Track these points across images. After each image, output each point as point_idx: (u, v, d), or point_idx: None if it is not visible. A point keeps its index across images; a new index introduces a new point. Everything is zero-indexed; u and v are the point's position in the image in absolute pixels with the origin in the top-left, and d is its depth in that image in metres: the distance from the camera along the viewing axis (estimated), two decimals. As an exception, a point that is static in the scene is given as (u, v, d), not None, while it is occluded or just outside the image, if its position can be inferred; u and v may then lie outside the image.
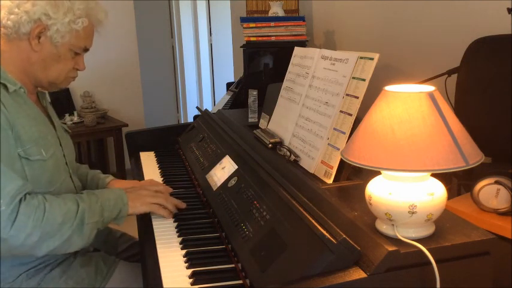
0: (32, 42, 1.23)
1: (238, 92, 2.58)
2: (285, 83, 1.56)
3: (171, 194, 1.47)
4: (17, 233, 1.09)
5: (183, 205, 1.42)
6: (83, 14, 1.26)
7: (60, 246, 1.17)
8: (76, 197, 1.24)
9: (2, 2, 1.22)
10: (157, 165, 1.91)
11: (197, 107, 2.43)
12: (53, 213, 1.14)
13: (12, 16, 1.20)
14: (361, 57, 1.20)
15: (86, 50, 1.34)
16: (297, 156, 1.33)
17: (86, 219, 1.20)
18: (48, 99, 1.46)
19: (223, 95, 3.00)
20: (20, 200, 1.11)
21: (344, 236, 0.89)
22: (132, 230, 1.73)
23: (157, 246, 1.23)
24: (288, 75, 1.55)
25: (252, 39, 2.33)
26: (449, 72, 1.58)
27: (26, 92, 1.27)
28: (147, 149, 2.12)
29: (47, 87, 1.36)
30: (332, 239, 0.89)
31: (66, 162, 1.38)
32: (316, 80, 1.36)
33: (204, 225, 1.35)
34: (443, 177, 0.93)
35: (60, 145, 1.36)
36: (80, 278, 1.31)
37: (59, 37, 1.24)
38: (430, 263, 0.85)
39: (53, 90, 1.40)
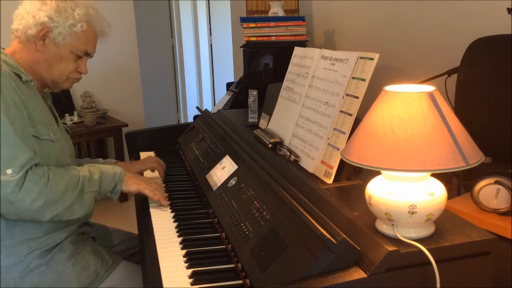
0: (38, 44, 1.37)
1: (238, 92, 2.59)
2: (285, 83, 1.56)
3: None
4: (23, 197, 1.22)
5: (165, 202, 1.49)
6: (82, 19, 1.39)
7: (63, 213, 1.30)
8: (78, 168, 1.37)
9: (16, 12, 1.39)
10: (157, 165, 1.91)
11: (197, 107, 2.43)
12: (56, 181, 1.27)
13: (23, 21, 1.36)
14: (361, 57, 1.20)
15: (88, 54, 1.45)
16: (297, 156, 1.33)
17: (86, 188, 1.34)
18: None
19: (223, 95, 3.00)
20: (27, 170, 1.23)
21: (344, 236, 0.89)
22: (129, 226, 1.75)
23: (157, 246, 1.23)
24: (288, 75, 1.55)
25: (252, 39, 2.33)
26: (449, 72, 1.58)
27: (36, 85, 1.39)
28: (147, 149, 2.12)
29: (51, 87, 1.47)
30: (332, 239, 0.89)
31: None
32: (316, 80, 1.36)
33: (204, 225, 1.35)
34: (443, 177, 0.93)
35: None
36: (87, 264, 1.40)
37: (60, 39, 1.37)
38: (430, 263, 0.85)
39: (57, 90, 1.50)
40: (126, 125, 3.86)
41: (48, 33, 1.36)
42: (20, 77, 1.32)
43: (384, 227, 0.93)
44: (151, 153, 2.07)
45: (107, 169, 1.43)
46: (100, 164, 1.48)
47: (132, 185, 1.45)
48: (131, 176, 1.48)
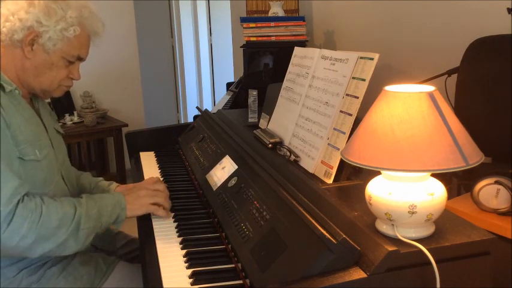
0: (25, 49, 1.24)
1: (238, 92, 2.58)
2: (285, 83, 1.56)
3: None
4: (11, 234, 1.10)
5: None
6: (75, 23, 1.26)
7: (55, 249, 1.19)
8: (74, 201, 1.25)
9: (0, 11, 1.23)
10: (157, 165, 1.91)
11: (197, 107, 2.43)
12: (49, 217, 1.16)
13: (7, 23, 1.22)
14: (361, 57, 1.20)
15: (80, 59, 1.34)
16: (297, 156, 1.33)
17: (82, 225, 1.22)
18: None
19: (223, 95, 3.00)
20: (18, 202, 1.12)
21: (344, 236, 0.89)
22: (131, 229, 1.74)
23: (157, 246, 1.23)
24: (288, 75, 1.55)
25: (252, 39, 2.33)
26: (449, 72, 1.58)
27: (21, 93, 1.28)
28: (147, 149, 2.12)
29: (41, 95, 1.36)
30: (332, 239, 0.89)
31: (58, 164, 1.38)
32: (316, 80, 1.36)
33: (204, 225, 1.35)
34: (443, 177, 0.93)
35: (52, 146, 1.36)
36: (79, 275, 1.33)
37: (51, 44, 1.25)
38: (430, 263, 0.85)
39: (47, 99, 1.40)
40: (126, 125, 3.86)
41: (36, 38, 1.23)
42: (2, 88, 1.21)
43: (384, 227, 0.93)
44: (151, 153, 2.08)
45: (106, 201, 1.31)
46: (98, 194, 1.35)
47: (138, 210, 1.35)
48: (132, 199, 1.35)
